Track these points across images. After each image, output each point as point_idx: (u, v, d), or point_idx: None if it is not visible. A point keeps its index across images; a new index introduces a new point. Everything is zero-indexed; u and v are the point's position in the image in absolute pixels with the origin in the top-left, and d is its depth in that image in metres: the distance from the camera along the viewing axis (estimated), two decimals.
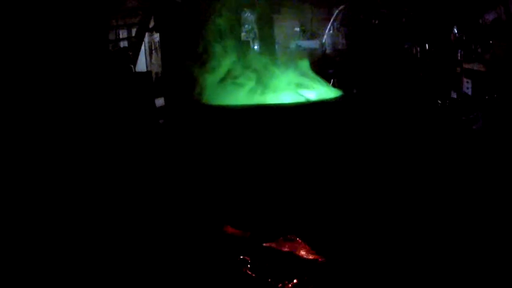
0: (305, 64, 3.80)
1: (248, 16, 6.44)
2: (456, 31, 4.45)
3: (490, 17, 3.78)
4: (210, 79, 3.56)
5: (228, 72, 3.55)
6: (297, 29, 6.62)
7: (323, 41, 6.41)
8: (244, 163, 2.87)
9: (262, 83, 3.48)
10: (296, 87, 3.45)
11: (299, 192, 2.82)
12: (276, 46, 6.50)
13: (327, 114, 3.04)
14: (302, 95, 3.29)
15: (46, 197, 3.13)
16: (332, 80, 6.54)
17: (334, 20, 6.24)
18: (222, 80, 3.51)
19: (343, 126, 3.16)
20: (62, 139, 3.69)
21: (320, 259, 2.29)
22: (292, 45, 6.49)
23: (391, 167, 3.44)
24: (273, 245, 2.42)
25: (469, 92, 4.41)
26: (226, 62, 3.67)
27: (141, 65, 5.85)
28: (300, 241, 2.43)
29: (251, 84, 3.42)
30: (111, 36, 5.51)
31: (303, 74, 3.62)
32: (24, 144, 3.44)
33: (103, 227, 2.83)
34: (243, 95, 3.35)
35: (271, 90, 3.38)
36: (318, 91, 3.48)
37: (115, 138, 3.99)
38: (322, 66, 5.97)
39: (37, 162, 3.41)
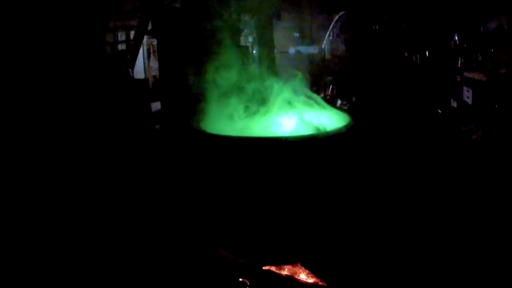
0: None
1: (248, 20, 6.40)
2: (456, 39, 4.39)
3: (491, 25, 3.73)
4: (207, 96, 3.47)
5: (225, 87, 3.45)
6: (297, 34, 6.59)
7: (322, 47, 6.38)
8: (242, 191, 2.77)
9: (260, 103, 3.40)
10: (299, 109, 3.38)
11: (299, 219, 2.73)
12: (275, 51, 6.47)
13: (333, 148, 2.90)
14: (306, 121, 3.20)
15: (39, 198, 3.11)
16: (330, 87, 6.51)
17: (333, 26, 6.20)
18: (219, 97, 3.41)
19: (347, 158, 3.04)
20: (58, 141, 3.65)
21: (320, 283, 2.24)
22: (291, 50, 6.46)
23: (392, 185, 3.35)
24: (273, 268, 2.36)
25: (469, 101, 4.35)
26: (223, 74, 3.57)
27: (139, 68, 5.80)
28: (299, 264, 2.37)
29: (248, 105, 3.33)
30: (110, 38, 5.47)
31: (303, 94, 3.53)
32: (20, 146, 3.41)
33: (95, 239, 2.77)
34: (239, 119, 3.26)
35: (269, 112, 3.30)
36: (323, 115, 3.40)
37: (110, 142, 3.94)
38: (321, 73, 5.94)
39: (32, 164, 3.38)
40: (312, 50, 6.43)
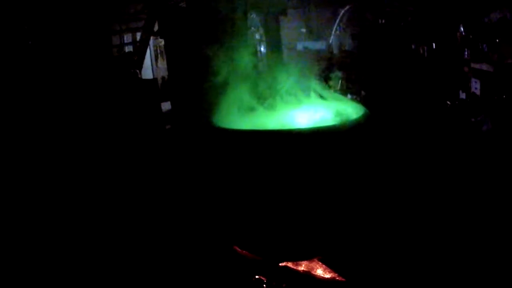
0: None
1: (255, 18, 6.43)
2: (462, 30, 4.35)
3: (495, 16, 3.68)
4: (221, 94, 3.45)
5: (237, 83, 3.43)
6: (304, 30, 6.58)
7: (330, 42, 6.36)
8: (257, 187, 2.76)
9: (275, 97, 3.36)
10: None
11: (315, 214, 2.71)
12: (283, 48, 6.48)
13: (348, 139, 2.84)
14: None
15: (47, 198, 3.17)
16: (340, 82, 6.49)
17: (340, 21, 6.18)
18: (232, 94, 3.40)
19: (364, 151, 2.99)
20: (67, 143, 3.72)
21: (338, 278, 2.21)
22: (299, 46, 6.47)
23: (407, 178, 3.34)
24: (289, 264, 2.32)
25: (478, 92, 4.31)
26: (234, 71, 3.54)
27: (147, 69, 5.87)
28: (316, 260, 2.33)
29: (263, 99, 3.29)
30: (116, 41, 5.54)
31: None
32: (29, 148, 3.48)
33: (106, 235, 2.84)
34: (252, 113, 3.21)
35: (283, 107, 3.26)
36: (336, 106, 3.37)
37: (121, 143, 4.00)
38: (330, 68, 5.93)
39: (42, 165, 3.45)
40: (320, 45, 6.42)
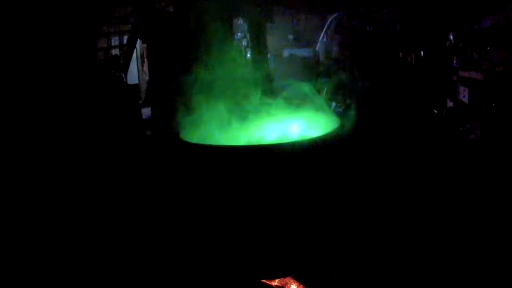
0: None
1: (241, 23, 6.34)
2: (452, 38, 4.32)
3: (487, 23, 3.66)
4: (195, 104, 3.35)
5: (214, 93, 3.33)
6: (291, 37, 6.52)
7: (317, 49, 6.30)
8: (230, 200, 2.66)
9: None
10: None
11: (292, 229, 2.61)
12: (269, 55, 6.40)
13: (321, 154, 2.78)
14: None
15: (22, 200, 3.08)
16: (325, 90, 6.43)
17: (327, 28, 6.13)
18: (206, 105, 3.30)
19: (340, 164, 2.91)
20: (46, 147, 3.59)
21: None
22: (285, 53, 6.39)
23: (389, 192, 3.23)
24: (263, 280, 2.29)
25: (466, 100, 4.27)
26: (212, 80, 3.45)
27: (133, 73, 5.72)
28: (292, 277, 2.30)
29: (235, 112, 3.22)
30: (103, 43, 5.42)
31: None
32: (6, 152, 3.34)
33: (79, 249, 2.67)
34: (228, 127, 3.14)
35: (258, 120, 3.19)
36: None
37: (98, 148, 3.86)
38: (315, 75, 5.86)
39: (17, 169, 3.31)
40: (307, 52, 6.35)
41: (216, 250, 2.46)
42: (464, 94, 4.29)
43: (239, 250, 2.36)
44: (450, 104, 4.65)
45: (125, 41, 5.57)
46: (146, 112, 4.75)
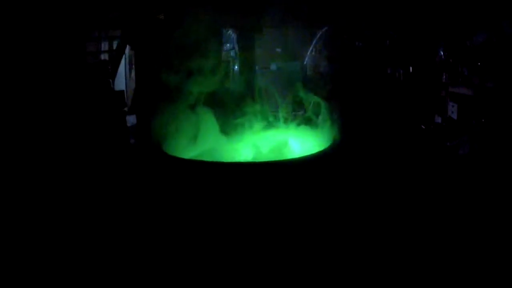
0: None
1: (229, 35, 6.29)
2: (441, 53, 4.37)
3: (479, 38, 3.71)
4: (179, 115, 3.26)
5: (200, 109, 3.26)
6: (279, 50, 6.50)
7: (305, 63, 6.30)
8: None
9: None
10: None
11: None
12: (257, 68, 6.36)
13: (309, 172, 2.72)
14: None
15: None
16: (311, 103, 6.42)
17: (316, 42, 6.15)
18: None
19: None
20: (30, 151, 3.42)
21: None
22: (273, 67, 6.35)
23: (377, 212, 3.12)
24: None
25: (455, 116, 4.30)
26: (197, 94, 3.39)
27: (121, 79, 5.54)
28: None
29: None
30: (93, 48, 5.25)
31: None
32: None
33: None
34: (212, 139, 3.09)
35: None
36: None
37: (82, 154, 3.67)
38: (303, 89, 5.83)
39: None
40: (294, 66, 6.33)
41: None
42: (452, 110, 4.33)
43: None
44: (438, 119, 4.69)
45: (114, 46, 5.43)
46: (131, 119, 4.59)
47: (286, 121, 3.75)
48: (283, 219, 2.61)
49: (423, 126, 4.87)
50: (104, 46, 5.29)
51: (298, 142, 3.56)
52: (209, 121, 3.50)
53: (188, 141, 3.38)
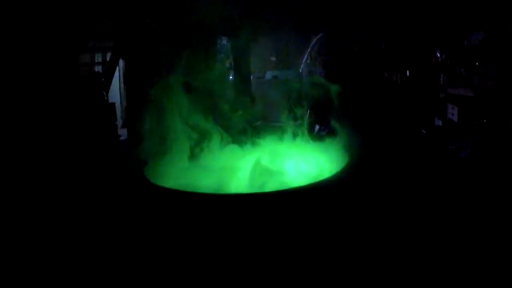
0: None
1: (224, 43, 6.22)
2: (439, 55, 4.26)
3: (477, 38, 3.59)
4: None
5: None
6: (273, 59, 6.42)
7: (300, 71, 6.21)
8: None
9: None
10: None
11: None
12: (252, 77, 6.27)
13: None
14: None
15: None
16: (308, 112, 6.31)
17: (311, 49, 6.07)
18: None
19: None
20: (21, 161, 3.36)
21: None
22: (268, 76, 6.26)
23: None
24: None
25: (455, 118, 4.16)
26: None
27: (114, 92, 5.46)
28: None
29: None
30: (87, 59, 5.18)
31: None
32: None
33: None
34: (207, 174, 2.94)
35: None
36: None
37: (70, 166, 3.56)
38: (299, 98, 5.73)
39: None
40: (290, 74, 6.24)
41: None
42: (452, 112, 4.19)
43: None
44: (438, 122, 4.55)
45: (108, 57, 5.37)
46: (124, 133, 4.49)
47: (287, 134, 3.58)
48: (279, 265, 2.27)
49: (423, 131, 4.74)
50: (98, 57, 5.23)
51: (303, 161, 3.31)
52: (206, 136, 3.33)
53: (182, 159, 3.19)
